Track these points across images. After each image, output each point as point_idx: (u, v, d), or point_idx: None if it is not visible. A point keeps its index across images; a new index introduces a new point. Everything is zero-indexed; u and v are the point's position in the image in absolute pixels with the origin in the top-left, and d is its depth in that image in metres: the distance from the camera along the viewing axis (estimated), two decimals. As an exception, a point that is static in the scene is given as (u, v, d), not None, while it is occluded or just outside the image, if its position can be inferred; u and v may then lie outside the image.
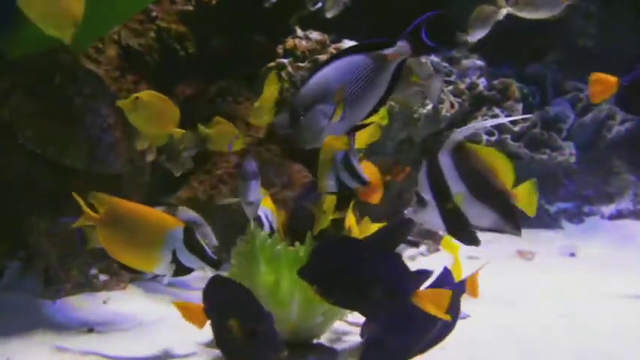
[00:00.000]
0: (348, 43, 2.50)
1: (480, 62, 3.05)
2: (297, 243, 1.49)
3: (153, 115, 1.50)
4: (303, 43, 2.48)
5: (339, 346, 1.53)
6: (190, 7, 2.52)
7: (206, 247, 1.33)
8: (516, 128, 2.89)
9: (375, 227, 1.59)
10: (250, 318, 1.30)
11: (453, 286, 1.33)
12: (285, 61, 2.44)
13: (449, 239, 1.43)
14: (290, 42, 2.49)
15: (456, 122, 2.70)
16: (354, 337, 1.56)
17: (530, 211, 1.15)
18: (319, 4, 2.41)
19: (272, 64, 2.43)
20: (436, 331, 1.36)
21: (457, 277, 1.41)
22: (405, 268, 1.20)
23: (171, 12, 2.48)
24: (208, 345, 1.51)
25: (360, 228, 1.65)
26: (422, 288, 1.20)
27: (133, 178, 2.01)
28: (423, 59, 2.54)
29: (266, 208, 1.66)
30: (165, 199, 2.24)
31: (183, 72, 2.48)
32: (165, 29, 2.44)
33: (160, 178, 2.19)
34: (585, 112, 3.20)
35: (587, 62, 3.30)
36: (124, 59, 2.25)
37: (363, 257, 1.21)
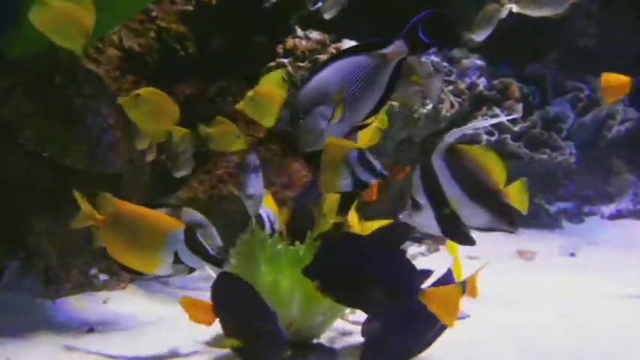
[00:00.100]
0: (348, 43, 2.50)
1: (479, 62, 3.05)
2: (297, 242, 1.49)
3: (153, 111, 1.51)
4: (303, 42, 2.48)
5: (339, 346, 1.53)
6: (190, 7, 2.53)
7: (207, 247, 1.34)
8: (516, 128, 2.89)
9: (377, 225, 1.59)
10: (255, 316, 1.31)
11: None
12: (285, 60, 2.44)
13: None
14: (290, 42, 2.49)
15: (456, 122, 2.70)
16: (355, 337, 1.56)
17: (522, 208, 1.16)
18: (319, 4, 2.41)
19: (272, 63, 2.43)
20: (436, 329, 1.37)
21: (457, 278, 1.41)
22: (413, 266, 1.21)
23: (171, 12, 2.48)
24: (209, 344, 1.51)
25: (362, 227, 1.65)
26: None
27: (133, 177, 2.01)
28: (423, 58, 2.54)
29: (267, 208, 1.65)
30: (166, 199, 2.24)
31: (183, 72, 2.48)
32: (165, 29, 2.44)
33: (160, 178, 2.19)
34: (585, 111, 3.20)
35: (587, 62, 3.31)
36: (124, 59, 2.25)
37: (370, 255, 1.22)
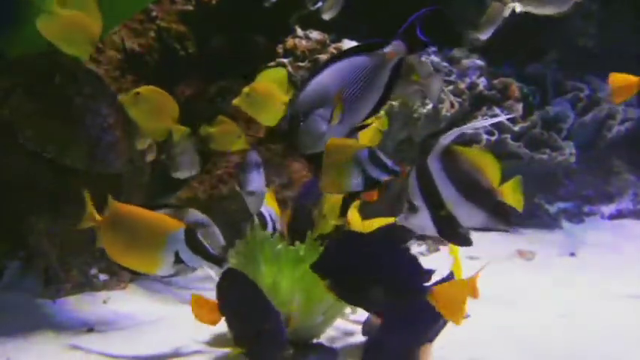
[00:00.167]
0: (348, 43, 2.50)
1: (479, 62, 3.05)
2: (297, 242, 1.49)
3: (153, 109, 1.51)
4: (303, 42, 2.48)
5: (339, 346, 1.53)
6: (190, 7, 2.53)
7: (207, 246, 1.34)
8: (516, 128, 2.89)
9: (378, 224, 1.59)
10: (258, 315, 1.31)
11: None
12: (285, 60, 2.44)
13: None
14: (290, 42, 2.49)
15: (456, 122, 2.70)
16: (355, 337, 1.56)
17: (518, 206, 1.17)
18: (319, 4, 2.41)
19: (272, 63, 2.43)
20: (436, 328, 1.37)
21: (458, 278, 1.41)
22: (420, 265, 1.21)
23: (171, 12, 2.48)
24: (209, 344, 1.51)
25: (363, 227, 1.65)
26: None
27: (133, 177, 2.01)
28: (423, 58, 2.54)
29: (269, 208, 1.65)
30: (166, 199, 2.24)
31: (183, 72, 2.48)
32: (165, 29, 2.44)
33: (160, 178, 2.19)
34: (585, 111, 3.20)
35: (587, 62, 3.30)
36: (124, 59, 2.25)
37: (379, 254, 1.22)
